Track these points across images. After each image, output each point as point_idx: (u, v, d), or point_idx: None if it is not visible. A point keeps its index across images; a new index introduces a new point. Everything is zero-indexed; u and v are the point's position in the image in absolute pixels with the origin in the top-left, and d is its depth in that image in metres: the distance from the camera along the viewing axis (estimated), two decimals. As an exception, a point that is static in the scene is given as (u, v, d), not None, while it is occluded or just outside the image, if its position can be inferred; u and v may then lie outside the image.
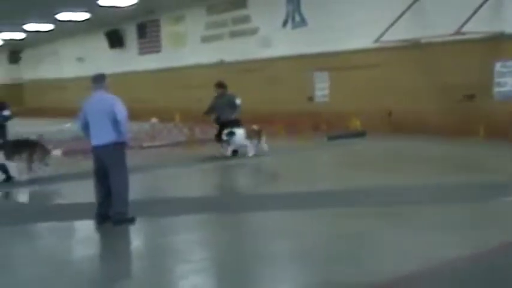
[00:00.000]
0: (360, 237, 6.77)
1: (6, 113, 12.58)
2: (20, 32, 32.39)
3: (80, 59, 36.15)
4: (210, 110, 14.43)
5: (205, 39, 25.67)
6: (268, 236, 7.07)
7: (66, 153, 13.91)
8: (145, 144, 16.69)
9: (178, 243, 7.04)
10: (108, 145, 7.61)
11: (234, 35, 24.00)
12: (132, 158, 13.76)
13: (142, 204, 8.84)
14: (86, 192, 9.89)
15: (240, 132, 13.78)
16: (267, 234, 7.17)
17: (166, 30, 28.31)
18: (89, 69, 33.50)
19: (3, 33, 33.16)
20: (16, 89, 44.27)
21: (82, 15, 27.08)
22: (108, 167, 7.65)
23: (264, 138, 14.42)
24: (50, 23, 29.29)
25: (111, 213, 7.71)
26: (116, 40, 31.62)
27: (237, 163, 13.40)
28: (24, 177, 11.71)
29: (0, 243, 7.46)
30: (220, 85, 14.44)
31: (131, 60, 30.93)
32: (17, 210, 9.76)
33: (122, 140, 7.69)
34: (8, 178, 11.64)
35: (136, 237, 7.64)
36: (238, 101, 14.16)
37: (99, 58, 33.22)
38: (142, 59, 30.23)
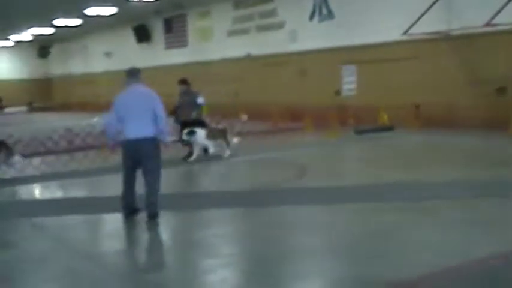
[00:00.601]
0: (389, 233, 6.69)
1: None
2: (49, 27, 32.73)
3: (108, 54, 36.43)
4: (177, 108, 13.43)
5: (231, 34, 25.64)
6: (297, 231, 7.04)
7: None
8: (172, 139, 16.71)
9: (208, 237, 7.02)
10: (147, 139, 7.57)
11: (260, 29, 23.93)
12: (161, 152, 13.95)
13: (172, 198, 8.87)
14: (102, 186, 10.03)
15: (201, 131, 12.82)
16: (296, 229, 7.14)
17: (193, 24, 28.36)
18: (117, 64, 33.82)
19: (32, 28, 33.54)
20: (45, 83, 44.92)
21: (110, 10, 27.25)
22: (143, 160, 7.60)
23: (231, 138, 13.56)
24: (78, 18, 29.54)
25: (146, 205, 7.68)
26: (143, 35, 31.81)
27: (266, 157, 13.35)
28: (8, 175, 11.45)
29: (27, 236, 7.56)
30: (183, 81, 13.50)
31: (158, 55, 31.09)
32: (38, 204, 9.87)
33: (160, 134, 7.68)
34: None
35: (166, 230, 7.64)
36: (200, 100, 13.23)
37: (126, 53, 33.46)
38: (169, 53, 30.35)
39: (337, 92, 19.15)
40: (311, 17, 21.26)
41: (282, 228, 7.19)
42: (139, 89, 7.75)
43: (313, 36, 21.17)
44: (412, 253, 5.94)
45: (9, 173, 11.59)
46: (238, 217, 8.04)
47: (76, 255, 6.54)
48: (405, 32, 17.07)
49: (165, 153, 8.31)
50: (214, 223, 7.72)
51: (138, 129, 7.53)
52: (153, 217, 7.66)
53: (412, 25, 16.85)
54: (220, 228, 7.40)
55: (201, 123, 13.08)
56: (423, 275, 5.23)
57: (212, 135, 13.10)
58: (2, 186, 11.01)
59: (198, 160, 12.97)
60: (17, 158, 11.71)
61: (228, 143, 13.37)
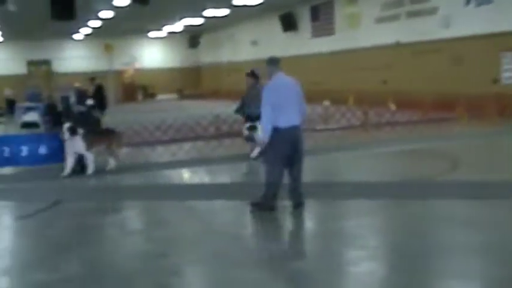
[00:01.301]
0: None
1: (90, 102, 11.81)
2: (199, 17, 33.84)
3: (254, 43, 37.01)
4: (241, 105, 12.42)
5: (380, 20, 24.91)
6: (450, 226, 6.71)
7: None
8: (318, 127, 16.56)
9: (352, 227, 6.88)
10: (299, 127, 7.57)
11: (411, 15, 22.99)
12: (305, 141, 13.88)
13: (316, 187, 8.77)
14: (248, 172, 10.07)
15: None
16: (449, 223, 6.81)
17: (340, 12, 27.93)
18: (262, 53, 34.24)
19: (184, 19, 34.86)
20: (195, 72, 46.69)
21: (256, 0, 27.54)
22: (298, 149, 7.51)
23: None
24: (226, 8, 30.22)
25: (293, 194, 7.60)
26: (289, 23, 31.90)
27: (415, 148, 12.77)
28: (112, 165, 11.49)
29: (180, 217, 7.80)
30: (252, 74, 12.43)
31: (304, 43, 31.03)
32: (188, 188, 10.20)
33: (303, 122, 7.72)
34: (82, 168, 11.16)
35: (310, 219, 7.57)
36: None
37: (272, 41, 33.76)
38: (315, 41, 30.17)
39: (495, 80, 17.91)
40: (467, 1, 20.01)
41: (430, 223, 6.93)
42: (286, 78, 7.68)
43: (469, 22, 19.91)
44: None
45: (114, 163, 11.57)
46: (384, 208, 7.78)
47: (224, 239, 6.66)
48: None
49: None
50: (360, 213, 7.53)
51: (294, 117, 7.47)
52: (299, 206, 7.58)
53: None
54: (366, 219, 7.22)
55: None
56: None
57: None
58: (156, 170, 11.49)
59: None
60: (123, 150, 11.78)
61: None
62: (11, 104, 27.59)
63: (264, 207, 7.58)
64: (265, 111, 7.36)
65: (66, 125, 10.82)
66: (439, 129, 15.75)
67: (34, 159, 11.66)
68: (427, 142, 13.50)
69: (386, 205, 7.92)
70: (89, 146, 11.03)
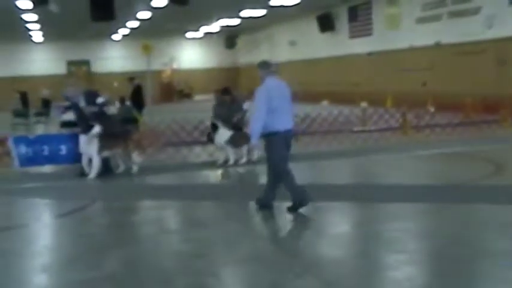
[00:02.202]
0: None
1: (100, 100, 11.14)
2: (235, 18, 33.89)
3: (292, 43, 36.89)
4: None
5: (420, 21, 24.54)
6: (493, 231, 6.57)
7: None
8: (355, 129, 16.36)
9: (390, 231, 6.74)
10: (292, 130, 7.75)
11: (453, 15, 22.58)
12: (342, 142, 13.77)
13: (354, 189, 8.65)
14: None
15: (224, 132, 11.57)
16: (489, 229, 6.67)
17: (379, 12, 27.62)
18: (300, 53, 34.16)
19: (221, 20, 34.95)
20: (232, 72, 46.78)
21: (293, 0, 27.41)
22: (289, 150, 7.63)
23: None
24: (263, 8, 30.17)
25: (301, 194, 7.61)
26: (326, 24, 31.71)
27: (456, 151, 12.50)
28: (135, 169, 11.17)
29: (216, 218, 7.73)
30: (226, 91, 12.54)
31: (342, 44, 30.78)
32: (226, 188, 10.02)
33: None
34: (108, 170, 11.07)
35: (348, 222, 7.49)
36: (246, 106, 12.22)
37: (310, 42, 33.60)
38: (353, 42, 29.90)
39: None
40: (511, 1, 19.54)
41: (473, 228, 6.77)
42: (279, 81, 7.78)
43: (514, 22, 19.43)
44: None
45: (136, 167, 11.26)
46: (425, 212, 7.66)
47: (260, 241, 6.66)
48: None
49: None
50: (399, 217, 7.41)
51: (290, 120, 7.64)
52: (271, 207, 7.74)
53: None
54: (405, 223, 7.09)
55: (240, 129, 11.91)
56: None
57: (237, 141, 11.66)
58: (193, 170, 11.48)
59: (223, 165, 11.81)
60: (134, 157, 11.26)
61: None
62: (46, 104, 28.03)
63: (299, 207, 7.55)
64: (259, 113, 7.40)
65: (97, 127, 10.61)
66: (481, 132, 15.42)
67: (73, 157, 11.75)
68: (468, 145, 13.23)
69: (427, 209, 7.78)
70: (101, 149, 10.74)
